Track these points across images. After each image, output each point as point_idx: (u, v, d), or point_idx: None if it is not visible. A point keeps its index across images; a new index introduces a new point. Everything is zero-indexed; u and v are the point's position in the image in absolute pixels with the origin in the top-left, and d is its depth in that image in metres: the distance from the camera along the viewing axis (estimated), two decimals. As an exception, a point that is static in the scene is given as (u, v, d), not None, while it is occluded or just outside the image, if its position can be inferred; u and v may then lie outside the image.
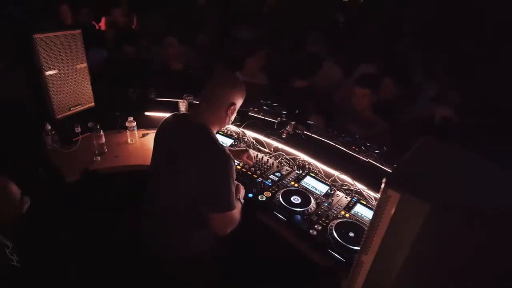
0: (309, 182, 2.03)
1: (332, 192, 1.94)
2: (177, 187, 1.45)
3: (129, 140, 2.48)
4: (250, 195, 1.86)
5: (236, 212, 1.46)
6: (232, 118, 1.54)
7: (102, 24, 4.78)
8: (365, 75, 2.74)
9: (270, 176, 2.06)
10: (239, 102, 1.50)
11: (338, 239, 1.59)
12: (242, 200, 1.65)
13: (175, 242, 1.55)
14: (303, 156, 2.19)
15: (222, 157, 1.35)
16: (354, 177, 1.97)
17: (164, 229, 1.55)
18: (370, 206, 1.85)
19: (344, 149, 2.13)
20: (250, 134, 2.42)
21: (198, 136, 1.42)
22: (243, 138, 2.41)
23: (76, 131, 2.38)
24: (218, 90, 1.45)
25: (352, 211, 1.82)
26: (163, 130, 1.57)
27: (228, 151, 1.39)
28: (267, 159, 2.20)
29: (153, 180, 1.58)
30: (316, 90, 3.03)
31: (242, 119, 2.49)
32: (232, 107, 1.46)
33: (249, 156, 1.98)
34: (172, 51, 3.37)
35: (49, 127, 2.27)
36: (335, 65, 3.48)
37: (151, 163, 1.62)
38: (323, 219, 1.74)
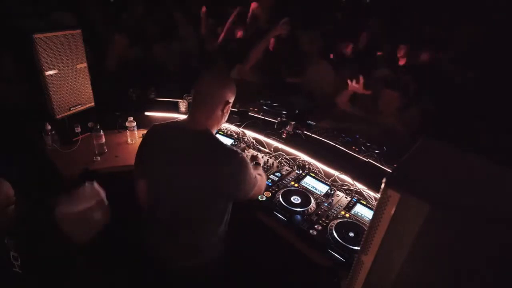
0: (309, 182, 2.03)
1: (332, 192, 1.94)
2: (191, 196, 1.42)
3: (129, 140, 2.48)
4: (250, 195, 1.86)
5: (259, 178, 1.59)
6: (226, 117, 1.54)
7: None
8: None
9: (270, 176, 2.06)
10: (232, 99, 1.50)
11: (338, 239, 1.59)
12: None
13: (183, 253, 1.52)
14: (303, 156, 2.19)
15: (240, 157, 1.39)
16: (354, 177, 1.97)
17: (172, 240, 1.51)
18: (370, 206, 1.85)
19: (344, 149, 2.13)
20: (250, 134, 2.42)
21: (206, 144, 1.41)
22: (243, 138, 2.41)
23: (76, 131, 2.38)
24: (212, 90, 1.43)
25: (352, 211, 1.82)
26: (159, 142, 1.49)
27: (238, 149, 1.43)
28: (267, 159, 2.20)
29: (156, 192, 1.51)
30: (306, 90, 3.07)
31: (242, 119, 2.49)
32: (228, 106, 1.47)
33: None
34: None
35: (49, 127, 2.27)
36: (326, 63, 3.46)
37: (147, 175, 1.52)
38: (323, 219, 1.74)
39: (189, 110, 1.50)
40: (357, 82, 2.63)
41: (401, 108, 2.55)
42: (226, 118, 1.53)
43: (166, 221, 1.51)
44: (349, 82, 2.67)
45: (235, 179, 1.39)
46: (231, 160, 1.37)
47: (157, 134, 1.51)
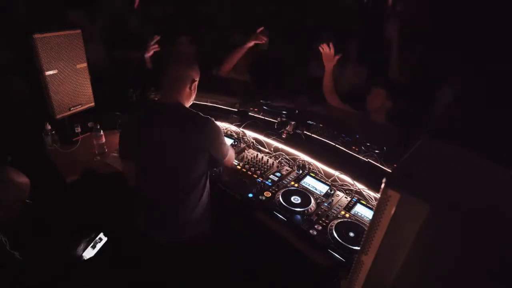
0: (309, 182, 2.03)
1: (332, 192, 1.94)
2: (172, 164, 1.57)
3: (129, 140, 2.48)
4: (250, 195, 1.86)
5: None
6: (195, 94, 1.71)
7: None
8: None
9: (270, 176, 2.06)
10: (197, 78, 1.67)
11: (338, 239, 1.59)
12: None
13: (169, 227, 1.65)
14: (303, 156, 2.19)
15: (213, 123, 1.57)
16: (354, 177, 1.97)
17: (157, 213, 1.66)
18: (370, 206, 1.85)
19: (344, 149, 2.13)
20: (250, 134, 2.42)
21: (181, 114, 1.57)
22: (243, 138, 2.41)
23: (76, 131, 2.38)
24: (180, 71, 1.61)
25: (352, 211, 1.82)
26: (136, 121, 1.66)
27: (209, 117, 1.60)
28: (267, 159, 2.20)
29: (141, 167, 1.67)
30: None
31: (242, 119, 2.49)
32: (194, 83, 1.64)
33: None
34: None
35: (49, 127, 2.27)
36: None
37: (130, 154, 1.69)
38: (323, 219, 1.74)
39: (160, 91, 1.65)
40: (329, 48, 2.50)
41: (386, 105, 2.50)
42: (194, 95, 1.71)
43: (152, 194, 1.66)
44: (321, 49, 2.52)
45: (211, 141, 1.59)
46: (206, 125, 1.55)
47: (134, 115, 1.68)
